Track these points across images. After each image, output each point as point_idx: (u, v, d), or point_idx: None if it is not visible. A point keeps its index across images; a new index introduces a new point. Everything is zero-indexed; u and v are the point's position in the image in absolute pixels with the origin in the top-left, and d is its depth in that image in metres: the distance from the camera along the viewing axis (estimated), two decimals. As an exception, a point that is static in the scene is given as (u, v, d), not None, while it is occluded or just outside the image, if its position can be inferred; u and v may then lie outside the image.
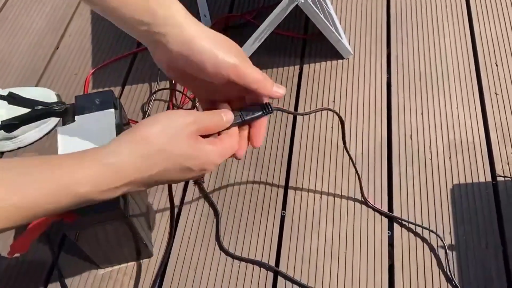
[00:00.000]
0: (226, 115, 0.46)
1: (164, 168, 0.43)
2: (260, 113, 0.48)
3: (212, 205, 0.73)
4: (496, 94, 0.83)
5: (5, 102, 0.67)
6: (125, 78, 0.89)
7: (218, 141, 0.46)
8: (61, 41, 0.96)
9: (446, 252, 0.67)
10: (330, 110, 0.60)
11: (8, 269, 0.69)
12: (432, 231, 0.68)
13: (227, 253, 0.69)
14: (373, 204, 0.71)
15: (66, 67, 0.91)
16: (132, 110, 0.84)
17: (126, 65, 0.91)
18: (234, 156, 0.48)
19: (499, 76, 0.85)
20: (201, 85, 0.48)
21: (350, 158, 0.68)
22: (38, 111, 0.61)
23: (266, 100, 0.49)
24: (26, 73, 0.91)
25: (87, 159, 0.42)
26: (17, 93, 0.75)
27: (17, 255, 0.57)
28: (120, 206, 0.55)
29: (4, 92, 0.62)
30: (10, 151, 0.79)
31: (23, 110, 0.65)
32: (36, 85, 0.87)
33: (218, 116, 0.46)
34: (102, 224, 0.56)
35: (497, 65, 0.87)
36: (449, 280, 0.65)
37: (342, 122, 0.63)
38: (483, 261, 0.66)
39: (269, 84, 0.46)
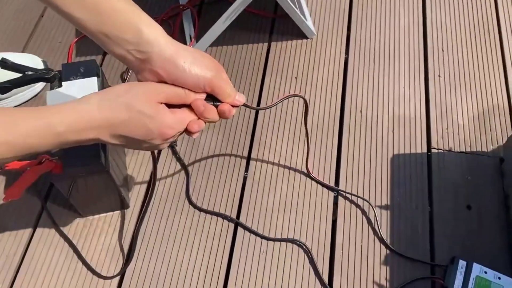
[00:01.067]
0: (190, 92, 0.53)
1: (126, 119, 0.49)
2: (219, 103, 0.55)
3: (183, 166, 0.83)
4: (439, 76, 0.94)
5: (-5, 66, 0.74)
6: (107, 47, 0.96)
7: (177, 110, 0.53)
8: (46, 9, 1.02)
9: (376, 214, 0.78)
10: (297, 96, 0.70)
11: (1, 212, 0.78)
12: (366, 200, 0.79)
13: (195, 207, 0.79)
14: (322, 175, 0.82)
15: (50, 35, 0.98)
16: (112, 77, 0.92)
17: (107, 35, 0.98)
18: (188, 130, 0.54)
19: (443, 61, 0.96)
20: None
21: (307, 134, 0.77)
22: (29, 76, 0.68)
23: (239, 100, 0.56)
24: (12, 39, 0.97)
25: (65, 106, 0.49)
26: (5, 57, 0.82)
27: (10, 200, 0.65)
28: (101, 161, 0.64)
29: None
30: (-1, 111, 0.86)
31: (10, 75, 0.72)
32: (22, 51, 0.94)
33: (182, 90, 0.53)
34: (85, 176, 0.66)
35: (443, 51, 0.97)
36: (380, 235, 0.77)
37: (306, 105, 0.70)
38: (412, 219, 0.78)
39: (233, 96, 0.55)
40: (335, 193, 0.81)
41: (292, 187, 0.81)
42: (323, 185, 0.81)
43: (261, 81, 0.93)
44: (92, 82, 0.70)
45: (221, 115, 0.55)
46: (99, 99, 0.50)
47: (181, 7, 1.00)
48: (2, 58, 0.69)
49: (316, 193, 0.81)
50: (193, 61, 0.52)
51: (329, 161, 0.84)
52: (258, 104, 0.90)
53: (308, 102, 0.90)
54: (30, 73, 0.69)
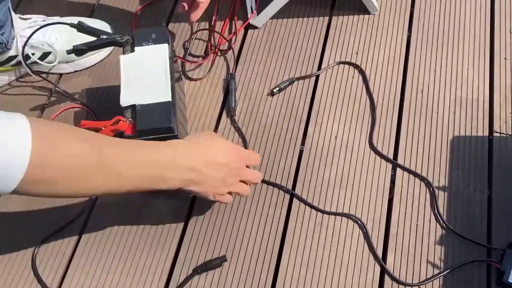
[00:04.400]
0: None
1: (210, 140, 0.63)
2: None
3: (241, 135, 0.85)
4: (505, 59, 0.91)
5: (67, 30, 0.77)
6: (169, 16, 0.98)
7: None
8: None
9: (434, 194, 0.78)
10: (352, 64, 0.70)
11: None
12: (424, 178, 0.79)
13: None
14: (380, 151, 0.82)
15: (116, 1, 1.00)
16: (175, 46, 0.94)
17: (170, 4, 0.99)
18: (250, 163, 0.71)
19: (511, 43, 0.92)
20: None
21: (372, 103, 0.77)
22: (103, 40, 0.70)
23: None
24: (79, 4, 1.00)
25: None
26: (77, 20, 0.85)
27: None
28: (172, 125, 0.66)
29: (74, 21, 0.72)
30: (68, 73, 0.90)
31: (85, 38, 0.74)
32: (90, 16, 0.97)
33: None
34: (155, 139, 0.68)
35: (510, 32, 0.94)
36: (437, 216, 0.76)
37: (363, 74, 0.71)
38: (469, 201, 0.78)
39: None
40: (392, 171, 0.81)
41: (349, 163, 0.82)
42: (383, 156, 0.81)
43: (320, 55, 0.93)
44: (163, 49, 0.71)
45: None
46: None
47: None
48: (79, 22, 0.72)
49: (374, 170, 0.81)
50: None
51: (388, 137, 0.83)
52: (316, 80, 0.90)
53: (368, 77, 0.89)
54: (104, 37, 0.71)
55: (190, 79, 0.90)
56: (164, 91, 0.68)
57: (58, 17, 0.88)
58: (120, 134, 0.66)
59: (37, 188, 0.47)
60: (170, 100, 0.68)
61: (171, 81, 0.69)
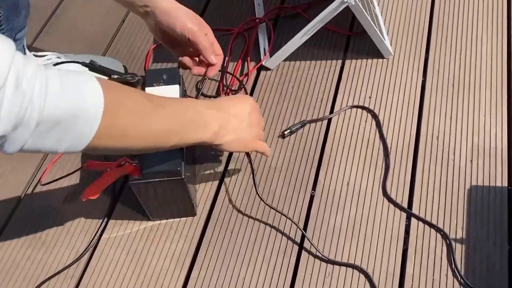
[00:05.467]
0: None
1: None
2: None
3: (252, 177, 0.82)
4: (523, 107, 0.89)
5: (79, 68, 0.77)
6: (182, 56, 0.98)
7: None
8: (128, 14, 1.05)
9: (451, 246, 0.74)
10: (364, 108, 0.69)
11: (72, 209, 0.80)
12: (441, 230, 0.75)
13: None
14: (394, 199, 0.79)
15: (130, 40, 1.01)
16: (187, 86, 0.93)
17: (183, 44, 1.00)
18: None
19: (529, 90, 0.91)
20: (175, 44, 0.73)
21: (385, 148, 0.75)
22: (114, 80, 0.70)
23: (212, 60, 0.73)
24: (94, 42, 1.01)
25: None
26: (90, 58, 0.85)
27: (87, 199, 0.67)
28: (179, 168, 0.64)
29: (86, 59, 0.72)
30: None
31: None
32: (103, 54, 0.97)
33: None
34: (161, 181, 0.66)
35: (529, 80, 0.92)
36: (454, 270, 0.72)
37: (376, 118, 0.70)
38: (488, 256, 0.74)
39: (210, 53, 0.72)
40: (407, 221, 0.77)
41: (361, 210, 0.79)
42: (396, 205, 0.78)
43: (333, 98, 0.92)
44: (174, 90, 0.71)
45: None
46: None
47: (257, 20, 1.00)
48: (91, 61, 0.72)
49: (387, 219, 0.78)
50: (184, 15, 0.70)
51: (402, 185, 0.81)
52: (329, 124, 0.88)
53: (381, 122, 0.87)
54: (115, 76, 0.71)
55: (201, 119, 0.89)
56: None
57: (73, 54, 0.89)
58: (125, 177, 0.64)
59: (112, 136, 0.50)
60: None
61: (180, 122, 0.68)
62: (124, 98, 0.52)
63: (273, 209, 0.77)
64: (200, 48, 0.71)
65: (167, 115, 0.57)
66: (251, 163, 0.78)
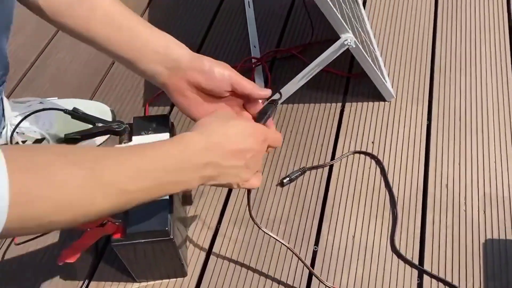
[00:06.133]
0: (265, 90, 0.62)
1: (222, 131, 0.53)
2: (274, 106, 0.63)
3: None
4: (536, 151, 0.84)
5: (63, 114, 0.72)
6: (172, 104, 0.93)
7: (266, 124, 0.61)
8: (116, 57, 1.01)
9: (474, 306, 0.67)
10: (367, 154, 0.63)
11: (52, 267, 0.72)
12: None
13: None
14: (404, 254, 0.72)
15: (120, 83, 0.96)
16: (179, 130, 0.88)
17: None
18: (272, 144, 0.60)
19: (540, 134, 0.86)
20: (203, 103, 0.61)
21: (391, 199, 0.69)
22: (99, 128, 0.65)
23: (257, 104, 0.63)
24: (81, 85, 0.96)
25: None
26: (75, 105, 0.80)
27: (66, 262, 0.60)
28: (167, 228, 0.58)
29: (70, 104, 0.67)
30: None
31: (80, 125, 0.69)
32: (91, 97, 0.92)
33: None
34: (147, 243, 0.59)
35: (539, 123, 0.87)
36: (475, 334, 0.65)
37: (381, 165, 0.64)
38: (511, 319, 0.67)
39: (257, 89, 0.61)
40: (418, 279, 0.71)
41: (368, 268, 0.72)
42: (406, 261, 0.71)
43: (333, 143, 0.86)
44: (163, 139, 0.65)
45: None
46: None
47: (253, 64, 0.96)
48: (74, 108, 0.67)
49: (397, 277, 0.71)
50: (213, 63, 0.59)
51: (411, 239, 0.74)
52: (330, 171, 0.83)
53: (386, 169, 0.82)
54: (100, 124, 0.66)
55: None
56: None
57: (57, 98, 0.84)
58: (107, 237, 0.57)
59: (28, 227, 0.40)
60: (168, 197, 0.60)
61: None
62: (43, 176, 0.40)
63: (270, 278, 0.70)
64: (247, 89, 0.60)
65: (119, 191, 0.44)
66: (250, 213, 0.71)
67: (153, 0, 1.14)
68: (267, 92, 0.62)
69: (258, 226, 0.64)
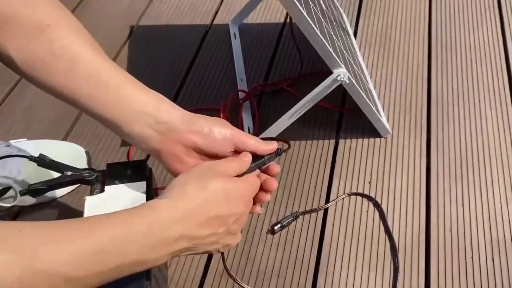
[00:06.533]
0: (245, 156, 0.52)
1: (204, 199, 0.45)
2: (273, 154, 0.54)
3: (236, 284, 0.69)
4: (543, 190, 0.79)
5: (26, 163, 0.65)
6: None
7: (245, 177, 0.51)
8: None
9: None
10: (365, 196, 0.57)
11: None
12: None
13: None
14: (409, 305, 0.66)
15: (95, 122, 0.89)
16: (159, 173, 0.81)
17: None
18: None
19: (545, 171, 0.81)
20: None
21: (392, 242, 0.63)
22: (67, 177, 0.58)
23: (273, 146, 0.55)
24: (55, 125, 0.89)
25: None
26: (46, 146, 0.73)
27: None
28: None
29: (39, 148, 0.60)
30: (30, 205, 0.76)
31: (47, 174, 0.62)
32: (64, 139, 0.85)
33: (238, 159, 0.51)
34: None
35: (543, 159, 0.83)
36: None
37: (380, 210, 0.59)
38: None
39: (262, 145, 0.53)
40: None
41: (370, 326, 0.65)
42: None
43: (327, 185, 0.80)
44: (139, 188, 0.58)
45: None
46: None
47: (240, 100, 0.90)
48: (40, 155, 0.60)
49: (402, 338, 0.64)
50: (212, 123, 0.52)
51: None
52: (325, 215, 0.76)
53: (385, 212, 0.76)
54: (69, 173, 0.59)
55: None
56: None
57: (26, 139, 0.77)
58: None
59: None
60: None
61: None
62: None
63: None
64: (250, 147, 0.53)
65: (68, 279, 0.37)
66: (225, 265, 0.64)
67: (134, 31, 1.09)
68: (273, 146, 0.54)
69: (236, 281, 0.57)
